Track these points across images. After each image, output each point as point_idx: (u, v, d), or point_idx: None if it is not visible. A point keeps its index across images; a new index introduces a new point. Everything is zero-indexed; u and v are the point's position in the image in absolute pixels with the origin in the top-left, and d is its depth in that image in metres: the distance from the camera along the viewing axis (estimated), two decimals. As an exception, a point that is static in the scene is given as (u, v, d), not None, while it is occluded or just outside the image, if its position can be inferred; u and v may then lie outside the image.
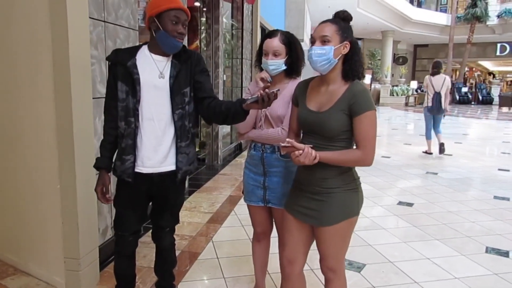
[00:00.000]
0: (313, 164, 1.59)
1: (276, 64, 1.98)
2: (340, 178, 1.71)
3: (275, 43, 1.98)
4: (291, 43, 2.02)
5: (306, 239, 1.84)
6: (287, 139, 1.59)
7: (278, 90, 1.71)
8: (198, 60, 1.99)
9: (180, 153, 1.95)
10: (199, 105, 1.99)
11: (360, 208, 1.78)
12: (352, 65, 1.67)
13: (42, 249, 2.56)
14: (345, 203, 1.72)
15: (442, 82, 6.65)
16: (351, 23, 1.73)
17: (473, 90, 24.14)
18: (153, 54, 1.91)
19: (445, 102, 6.64)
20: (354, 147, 1.70)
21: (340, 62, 1.68)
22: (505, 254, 3.10)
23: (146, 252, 2.89)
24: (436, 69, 6.81)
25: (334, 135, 1.67)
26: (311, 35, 1.70)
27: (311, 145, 1.61)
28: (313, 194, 1.74)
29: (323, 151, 1.64)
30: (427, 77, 7.11)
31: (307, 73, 1.86)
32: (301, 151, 1.56)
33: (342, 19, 1.69)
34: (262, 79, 2.02)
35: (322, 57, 1.65)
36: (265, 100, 1.67)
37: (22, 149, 2.55)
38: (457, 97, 22.56)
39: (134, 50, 1.94)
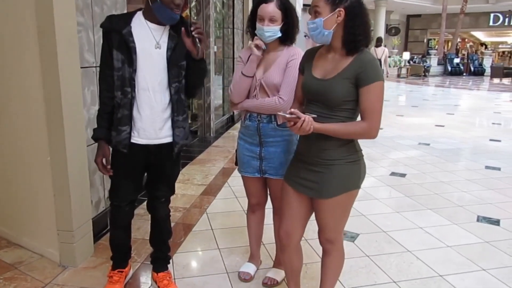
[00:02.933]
0: (309, 133, 1.55)
1: (273, 30, 1.91)
2: (341, 150, 1.67)
3: (272, 8, 1.89)
4: (287, 9, 1.94)
5: (305, 211, 1.81)
6: (291, 109, 1.54)
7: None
8: None
9: (177, 127, 1.93)
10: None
11: (362, 181, 1.75)
12: (348, 34, 1.58)
13: (35, 222, 2.53)
14: (346, 175, 1.69)
15: (382, 52, 10.15)
16: None
17: (465, 61, 24.04)
18: (148, 22, 1.84)
19: (384, 66, 10.28)
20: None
21: (340, 30, 1.60)
22: (496, 222, 3.15)
23: (140, 224, 2.89)
24: (378, 43, 10.53)
25: (337, 104, 1.62)
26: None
27: (315, 115, 1.57)
28: (313, 165, 1.71)
29: (326, 120, 1.60)
30: (372, 48, 10.25)
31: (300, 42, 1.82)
32: (292, 123, 1.53)
33: None
34: (257, 46, 1.94)
35: (315, 30, 1.60)
36: (201, 39, 1.77)
37: (10, 122, 2.47)
38: (449, 68, 22.47)
39: (128, 17, 1.85)
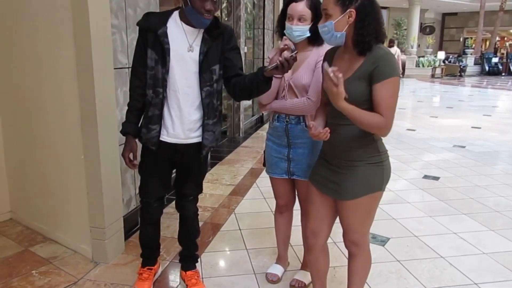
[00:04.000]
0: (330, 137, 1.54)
1: (301, 30, 1.89)
2: (363, 151, 1.63)
3: (302, 7, 1.88)
4: (317, 8, 1.91)
5: (330, 211, 1.79)
6: (311, 122, 1.53)
7: (297, 52, 1.64)
8: (230, 37, 1.92)
9: (207, 130, 1.94)
10: (227, 84, 1.96)
11: (386, 183, 1.70)
12: (357, 35, 1.54)
13: (68, 218, 2.62)
14: (367, 177, 1.65)
15: (394, 53, 10.09)
16: None
17: (504, 60, 23.05)
18: (184, 24, 1.85)
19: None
20: None
21: (351, 31, 1.56)
22: (537, 230, 3.00)
23: (169, 223, 2.93)
24: (391, 44, 12.18)
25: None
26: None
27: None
28: (335, 166, 1.69)
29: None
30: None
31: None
32: (313, 129, 1.53)
33: None
34: (286, 47, 1.92)
35: (327, 34, 1.57)
36: (284, 65, 1.62)
37: (46, 121, 2.57)
38: (487, 68, 21.62)
39: (165, 17, 1.87)
